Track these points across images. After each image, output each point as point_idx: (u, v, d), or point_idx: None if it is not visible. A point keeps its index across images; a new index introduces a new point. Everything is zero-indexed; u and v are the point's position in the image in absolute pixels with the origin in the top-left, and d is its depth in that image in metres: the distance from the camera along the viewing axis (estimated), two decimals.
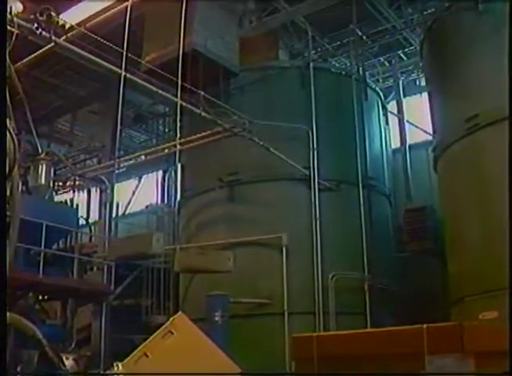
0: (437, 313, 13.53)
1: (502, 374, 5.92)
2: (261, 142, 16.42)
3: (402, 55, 23.75)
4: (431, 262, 18.25)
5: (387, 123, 22.06)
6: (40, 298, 19.74)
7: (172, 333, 8.38)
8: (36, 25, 12.38)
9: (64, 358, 13.73)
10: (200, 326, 10.91)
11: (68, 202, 23.70)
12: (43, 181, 19.46)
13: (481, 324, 10.75)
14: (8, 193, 6.66)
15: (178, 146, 16.76)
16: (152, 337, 8.38)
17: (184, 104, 15.13)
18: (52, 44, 13.21)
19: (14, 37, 10.89)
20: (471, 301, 13.72)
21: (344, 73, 20.83)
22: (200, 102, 15.25)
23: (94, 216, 25.23)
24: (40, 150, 19.81)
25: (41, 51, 14.46)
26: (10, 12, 11.49)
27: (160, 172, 27.61)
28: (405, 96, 23.67)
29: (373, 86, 21.57)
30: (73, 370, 16.15)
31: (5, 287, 5.04)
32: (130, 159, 20.79)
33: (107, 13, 17.79)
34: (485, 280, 13.34)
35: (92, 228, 23.62)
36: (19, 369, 14.52)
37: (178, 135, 16.66)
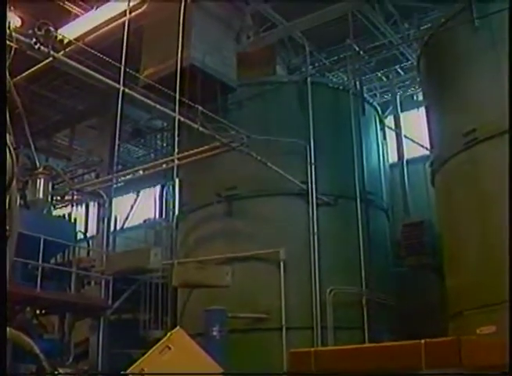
0: (435, 328, 13.53)
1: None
2: (259, 157, 16.45)
3: (399, 70, 23.81)
4: (430, 277, 18.22)
5: (384, 137, 22.11)
6: (37, 312, 19.68)
7: (170, 348, 8.37)
8: (34, 40, 12.42)
9: (62, 372, 13.72)
10: (198, 341, 10.88)
11: (66, 216, 23.69)
12: (41, 195, 19.41)
13: (478, 339, 10.74)
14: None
15: (176, 161, 16.76)
16: (149, 352, 8.37)
17: (182, 119, 15.14)
18: (51, 58, 13.26)
19: (12, 52, 10.92)
20: (469, 315, 13.70)
21: (341, 88, 20.85)
22: (197, 117, 15.27)
23: (92, 230, 25.19)
24: (38, 165, 19.80)
25: (39, 65, 14.52)
26: (9, 27, 11.52)
27: (158, 187, 27.64)
28: (402, 111, 23.68)
29: (371, 101, 21.65)
30: None
31: (4, 301, 5.04)
32: (128, 174, 20.78)
33: (106, 28, 17.85)
34: (483, 294, 13.32)
35: (90, 242, 23.59)
36: None
37: (176, 150, 16.66)
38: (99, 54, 14.11)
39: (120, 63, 14.23)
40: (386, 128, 22.48)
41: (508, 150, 11.93)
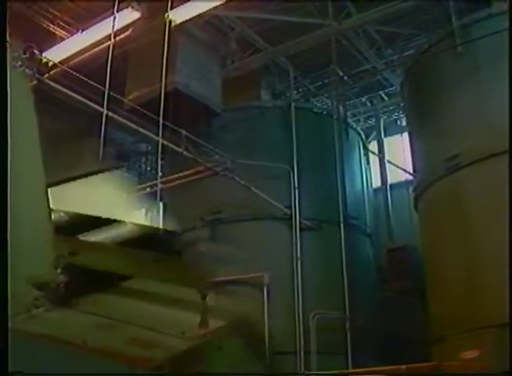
0: (420, 352, 13.49)
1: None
2: (243, 182, 16.42)
3: (383, 95, 23.98)
4: (414, 301, 18.18)
5: (368, 162, 22.12)
6: None
7: None
8: (19, 62, 12.40)
9: None
10: None
11: None
12: None
13: (460, 364, 10.74)
14: None
15: (160, 185, 16.71)
16: None
17: (165, 143, 15.11)
18: (35, 81, 13.22)
19: None
20: (452, 340, 13.68)
21: (325, 113, 20.89)
22: (181, 141, 15.26)
23: None
24: None
25: None
26: None
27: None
28: (386, 136, 23.84)
29: (355, 126, 21.68)
30: None
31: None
32: None
33: (91, 51, 17.85)
34: (466, 318, 13.32)
35: None
36: None
37: (160, 174, 16.62)
38: (83, 77, 14.09)
39: (105, 87, 14.22)
40: (370, 153, 22.53)
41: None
